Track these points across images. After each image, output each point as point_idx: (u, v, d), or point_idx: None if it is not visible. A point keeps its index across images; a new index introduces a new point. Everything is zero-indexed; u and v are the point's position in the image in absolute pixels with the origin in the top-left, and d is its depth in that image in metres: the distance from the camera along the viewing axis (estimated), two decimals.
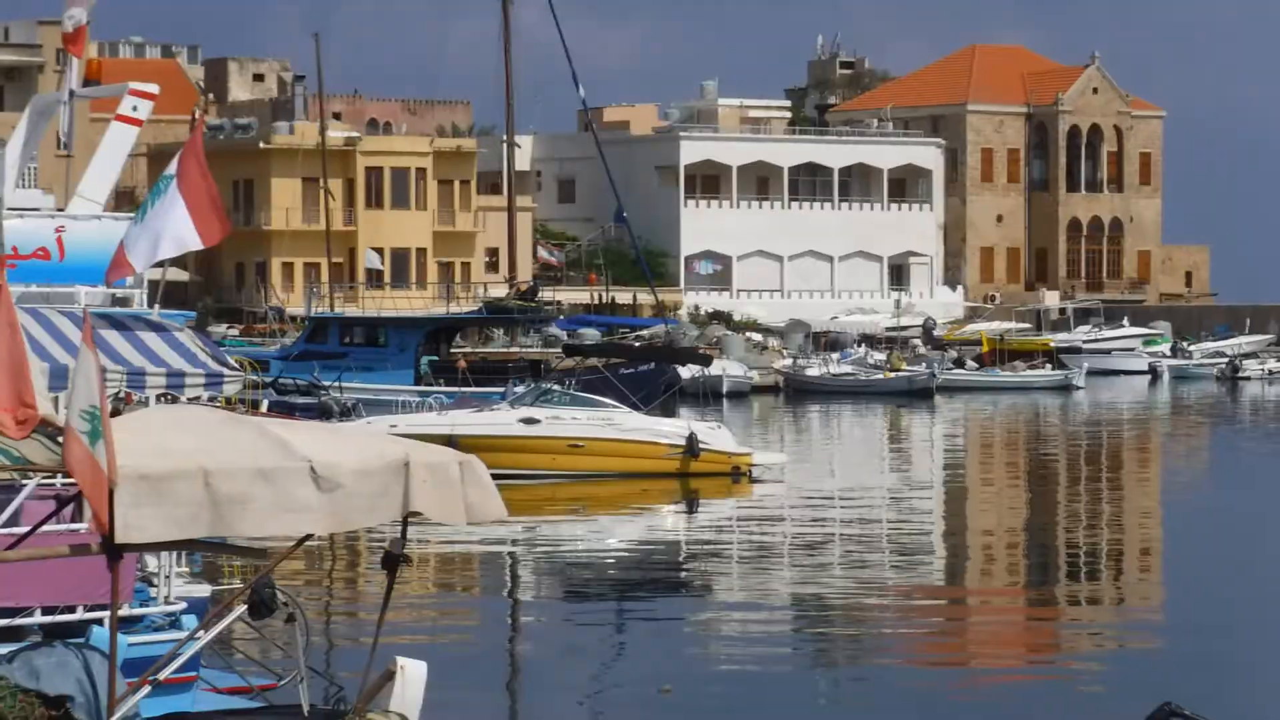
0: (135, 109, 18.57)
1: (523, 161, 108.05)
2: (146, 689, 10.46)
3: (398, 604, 25.97)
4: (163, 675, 10.72)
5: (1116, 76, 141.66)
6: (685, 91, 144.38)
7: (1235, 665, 23.47)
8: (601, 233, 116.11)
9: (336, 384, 61.18)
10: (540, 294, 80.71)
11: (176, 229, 14.53)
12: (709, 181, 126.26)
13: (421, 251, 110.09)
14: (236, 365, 17.01)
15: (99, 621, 13.67)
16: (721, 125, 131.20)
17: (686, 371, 60.11)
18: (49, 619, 14.61)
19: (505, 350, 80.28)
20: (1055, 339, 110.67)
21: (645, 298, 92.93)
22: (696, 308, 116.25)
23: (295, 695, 11.40)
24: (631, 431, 46.49)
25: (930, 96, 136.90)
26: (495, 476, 10.81)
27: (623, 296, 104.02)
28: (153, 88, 18.94)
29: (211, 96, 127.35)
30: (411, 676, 11.07)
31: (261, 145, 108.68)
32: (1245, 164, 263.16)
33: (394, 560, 11.02)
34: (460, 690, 19.13)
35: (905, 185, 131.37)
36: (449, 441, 36.10)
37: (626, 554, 34.85)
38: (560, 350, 65.26)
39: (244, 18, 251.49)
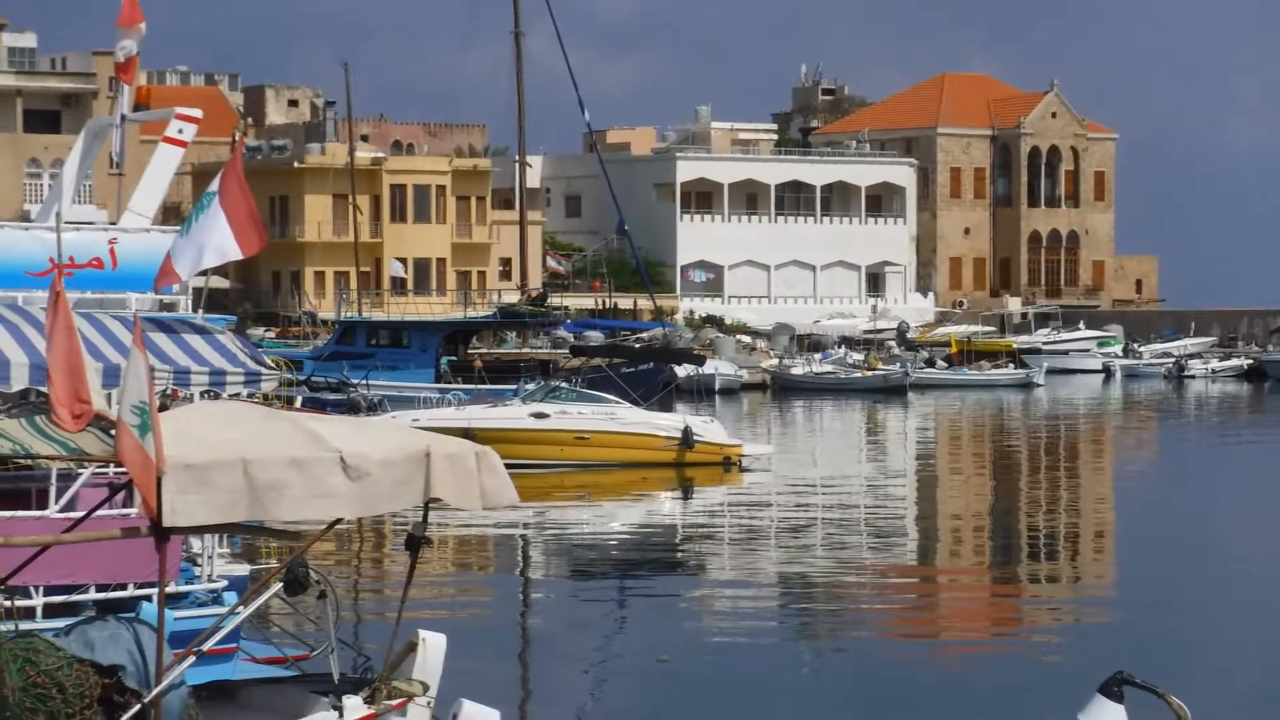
0: (181, 132, 18.56)
1: (533, 179, 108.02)
2: (191, 659, 10.45)
3: (419, 582, 25.93)
4: (206, 647, 10.71)
5: (1073, 102, 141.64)
6: (681, 116, 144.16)
7: (1181, 637, 23.47)
8: (605, 244, 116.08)
9: (364, 382, 61.18)
10: (549, 300, 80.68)
11: (218, 241, 14.52)
12: (702, 198, 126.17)
13: (441, 261, 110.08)
14: (273, 365, 16.99)
15: (148, 598, 13.66)
16: (714, 146, 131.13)
17: (682, 370, 60.14)
18: (102, 595, 14.61)
19: (517, 351, 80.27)
20: (1017, 341, 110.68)
21: (645, 303, 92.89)
22: (691, 312, 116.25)
23: (326, 665, 11.40)
24: (632, 425, 46.49)
25: (904, 120, 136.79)
26: (508, 466, 10.80)
27: (624, 302, 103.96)
28: (197, 112, 18.93)
29: (250, 120, 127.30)
30: (432, 648, 11.06)
31: (296, 165, 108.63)
32: (1191, 181, 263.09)
33: (416, 542, 11.02)
34: (477, 660, 19.13)
35: (881, 201, 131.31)
36: (466, 434, 36.18)
37: (627, 536, 34.84)
38: (567, 351, 65.27)
39: (280, 49, 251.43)
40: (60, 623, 11.75)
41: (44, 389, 11.51)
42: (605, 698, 20.15)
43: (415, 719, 10.90)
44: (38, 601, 14.33)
